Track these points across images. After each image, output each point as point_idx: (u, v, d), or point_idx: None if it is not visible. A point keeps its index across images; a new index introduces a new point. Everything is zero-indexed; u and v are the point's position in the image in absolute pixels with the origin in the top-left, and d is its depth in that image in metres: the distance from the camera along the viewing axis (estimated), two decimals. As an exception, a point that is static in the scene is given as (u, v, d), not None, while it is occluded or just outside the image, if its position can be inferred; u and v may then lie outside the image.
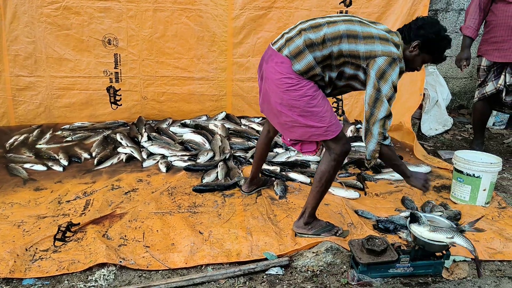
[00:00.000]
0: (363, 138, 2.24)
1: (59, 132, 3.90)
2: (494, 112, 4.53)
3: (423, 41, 2.16)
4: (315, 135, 2.24)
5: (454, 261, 2.26)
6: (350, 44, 2.10)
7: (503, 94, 3.67)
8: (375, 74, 2.07)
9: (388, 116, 2.14)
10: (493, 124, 4.84)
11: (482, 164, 2.85)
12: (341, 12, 4.19)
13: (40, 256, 2.20)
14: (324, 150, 2.39)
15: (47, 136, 3.80)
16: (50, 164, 3.28)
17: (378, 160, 2.34)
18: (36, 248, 2.26)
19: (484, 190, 2.86)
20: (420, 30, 2.16)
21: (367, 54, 2.09)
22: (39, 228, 2.45)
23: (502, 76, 3.63)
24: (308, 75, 2.16)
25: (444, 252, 2.16)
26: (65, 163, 3.31)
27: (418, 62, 2.26)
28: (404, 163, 2.53)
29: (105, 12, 3.89)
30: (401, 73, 2.16)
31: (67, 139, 3.77)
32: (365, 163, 2.31)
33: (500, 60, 3.59)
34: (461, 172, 2.91)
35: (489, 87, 3.72)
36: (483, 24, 3.72)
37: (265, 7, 4.08)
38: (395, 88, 2.11)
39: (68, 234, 2.38)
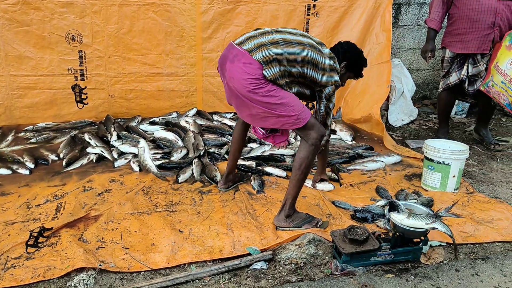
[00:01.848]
0: None
1: (22, 134, 3.73)
2: (456, 102, 4.71)
3: (349, 62, 2.55)
4: (288, 123, 2.31)
5: (430, 246, 2.33)
6: (313, 72, 2.33)
7: (466, 84, 3.83)
8: (325, 98, 2.42)
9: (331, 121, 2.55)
10: (455, 114, 5.04)
11: (451, 152, 2.96)
12: (308, 6, 4.22)
13: (12, 264, 2.09)
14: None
15: (9, 138, 3.62)
16: (15, 167, 3.12)
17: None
18: (8, 256, 2.14)
19: (454, 176, 2.97)
20: (346, 53, 2.54)
21: (322, 83, 2.38)
22: (9, 235, 2.33)
23: (465, 67, 3.77)
24: (276, 82, 2.24)
25: (422, 238, 2.23)
26: (32, 165, 3.16)
27: (345, 78, 2.65)
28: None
29: (67, 7, 3.73)
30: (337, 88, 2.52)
31: (32, 140, 3.60)
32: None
33: (463, 52, 3.73)
34: (431, 160, 3.01)
35: (453, 78, 3.86)
36: (446, 16, 3.85)
37: (234, 1, 4.05)
38: (334, 104, 2.50)
39: (41, 239, 2.28)
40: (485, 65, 3.71)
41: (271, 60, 2.19)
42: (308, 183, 2.98)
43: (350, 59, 2.56)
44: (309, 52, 2.29)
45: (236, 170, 3.03)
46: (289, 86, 2.31)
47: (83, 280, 2.01)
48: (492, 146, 3.99)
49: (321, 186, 2.99)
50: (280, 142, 2.63)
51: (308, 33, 4.23)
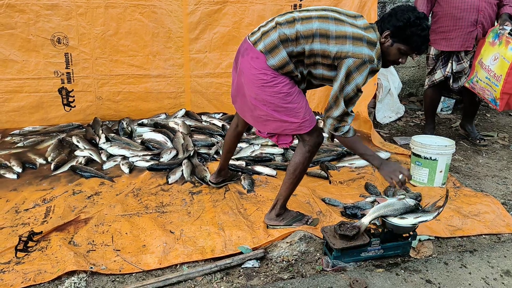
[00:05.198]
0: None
1: (8, 138, 3.68)
2: (442, 99, 4.78)
3: (393, 30, 2.07)
4: (289, 129, 2.25)
5: (419, 240, 2.37)
6: (322, 44, 2.06)
7: (451, 81, 3.89)
8: (343, 74, 2.05)
9: (346, 113, 2.14)
10: (441, 110, 5.11)
11: (438, 147, 3.01)
12: (295, 6, 4.24)
13: (2, 269, 2.07)
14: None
15: (-5, 142, 3.58)
16: (2, 172, 3.08)
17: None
18: (-3, 261, 2.12)
19: (441, 171, 3.02)
20: (391, 18, 2.08)
21: (338, 54, 2.05)
22: (-3, 240, 2.31)
23: (449, 64, 3.84)
24: (283, 70, 2.13)
25: (411, 233, 2.26)
26: (19, 170, 3.12)
27: (394, 53, 2.14)
28: (373, 153, 2.35)
29: (52, 10, 3.70)
30: (373, 72, 2.12)
31: (18, 145, 3.56)
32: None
33: (447, 49, 3.79)
34: (419, 156, 3.05)
35: (438, 75, 3.92)
36: (430, 14, 3.91)
37: (220, 2, 4.05)
38: (358, 89, 2.10)
39: (30, 244, 2.26)
40: (469, 62, 3.77)
41: (275, 46, 2.08)
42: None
43: (394, 25, 2.05)
44: (314, 24, 2.05)
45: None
46: (303, 67, 2.14)
47: (74, 283, 2.00)
48: (478, 141, 4.06)
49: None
50: (284, 143, 2.38)
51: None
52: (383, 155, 3.57)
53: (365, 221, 2.18)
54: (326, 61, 2.10)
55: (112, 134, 3.70)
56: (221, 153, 2.93)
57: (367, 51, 2.05)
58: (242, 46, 2.27)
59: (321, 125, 4.19)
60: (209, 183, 2.93)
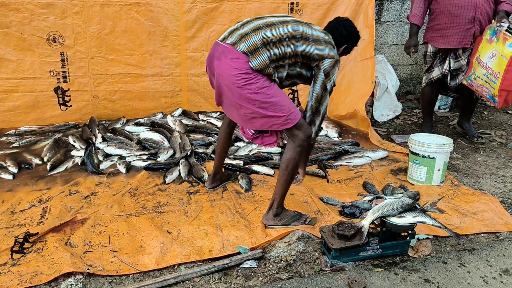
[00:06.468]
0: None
1: (4, 138, 3.65)
2: (439, 97, 4.77)
3: (349, 45, 2.49)
4: (276, 124, 2.26)
5: (418, 239, 2.36)
6: (304, 46, 2.22)
7: (448, 78, 3.88)
8: (323, 74, 2.26)
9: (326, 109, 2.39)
10: (439, 108, 5.10)
11: (435, 145, 3.00)
12: (292, 3, 4.23)
13: (-3, 271, 2.05)
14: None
15: (-9, 143, 3.55)
16: (-3, 172, 3.06)
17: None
18: (-8, 263, 2.10)
19: (439, 170, 3.01)
20: (349, 37, 2.45)
21: (318, 56, 2.25)
22: (-7, 241, 2.29)
23: (447, 62, 3.83)
24: (264, 72, 2.16)
25: (409, 232, 2.25)
26: (15, 170, 3.10)
27: (341, 53, 2.51)
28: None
29: (47, 8, 3.67)
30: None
31: (14, 145, 3.53)
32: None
33: (444, 47, 3.78)
34: (416, 154, 3.04)
35: (435, 72, 3.91)
36: (428, 12, 3.89)
37: (217, 0, 4.03)
38: (335, 83, 2.36)
39: (26, 245, 2.24)
40: (466, 60, 3.76)
41: (257, 48, 2.12)
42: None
43: (351, 42, 2.50)
44: (294, 27, 2.21)
45: (223, 170, 3.02)
46: (284, 69, 2.23)
47: (71, 285, 1.98)
48: (475, 139, 4.05)
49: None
50: (268, 143, 2.52)
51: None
52: (381, 153, 3.57)
53: (366, 223, 2.16)
54: (305, 61, 2.27)
55: (109, 134, 3.68)
56: (215, 154, 2.89)
57: (335, 52, 2.34)
58: (216, 50, 2.26)
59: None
60: (205, 188, 2.91)
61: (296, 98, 4.53)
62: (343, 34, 2.42)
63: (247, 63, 2.12)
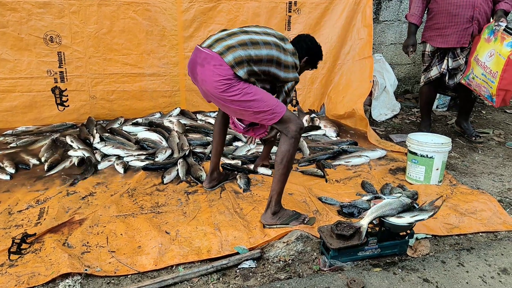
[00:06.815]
0: None
1: (1, 138, 3.64)
2: (437, 96, 4.78)
3: (310, 57, 2.71)
4: (265, 119, 2.35)
5: (416, 239, 2.36)
6: (277, 69, 2.43)
7: (446, 77, 3.88)
8: (285, 92, 2.59)
9: None
10: (437, 107, 5.11)
11: (434, 145, 3.00)
12: (290, 3, 4.22)
13: (-5, 272, 2.04)
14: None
15: (-13, 143, 3.53)
16: (-6, 173, 3.05)
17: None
18: (-10, 264, 2.09)
19: (437, 169, 3.01)
20: (310, 50, 2.69)
21: (284, 79, 2.51)
22: (-10, 242, 2.27)
23: (445, 61, 3.82)
24: (246, 80, 2.30)
25: (408, 231, 2.25)
26: (12, 170, 3.08)
27: (303, 71, 2.78)
28: None
29: (44, 8, 3.66)
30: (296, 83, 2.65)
31: (11, 145, 3.52)
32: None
33: (443, 46, 3.78)
34: (415, 153, 3.04)
35: (434, 72, 3.91)
36: (426, 11, 3.89)
37: (215, -1, 4.02)
38: (291, 95, 2.67)
39: (23, 246, 2.23)
40: (464, 59, 3.76)
41: (241, 61, 2.26)
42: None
43: (312, 55, 2.72)
44: (273, 51, 2.38)
45: (221, 168, 3.02)
46: (255, 83, 2.38)
47: (69, 285, 1.97)
48: (473, 138, 4.05)
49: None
50: (260, 133, 2.74)
51: (290, 30, 4.25)
52: (379, 153, 3.56)
53: (364, 223, 2.16)
54: (274, 80, 2.51)
55: (107, 134, 3.66)
56: (211, 149, 2.94)
57: (297, 75, 2.59)
58: (198, 56, 2.34)
59: (317, 123, 4.21)
60: (204, 188, 2.90)
61: (294, 98, 4.53)
62: (304, 47, 2.66)
63: (230, 70, 2.23)
